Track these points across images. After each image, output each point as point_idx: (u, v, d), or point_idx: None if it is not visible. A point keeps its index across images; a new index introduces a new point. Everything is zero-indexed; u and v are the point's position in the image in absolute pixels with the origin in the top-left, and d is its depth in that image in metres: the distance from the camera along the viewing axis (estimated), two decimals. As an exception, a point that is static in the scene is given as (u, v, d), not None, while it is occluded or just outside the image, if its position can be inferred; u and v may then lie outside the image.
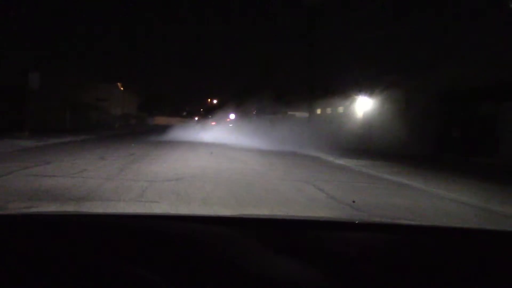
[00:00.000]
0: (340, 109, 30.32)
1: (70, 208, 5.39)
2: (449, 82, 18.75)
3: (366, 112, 25.63)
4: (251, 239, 1.55)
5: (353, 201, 6.68)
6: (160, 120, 63.36)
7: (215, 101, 66.08)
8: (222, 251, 1.40)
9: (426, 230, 2.04)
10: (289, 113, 40.62)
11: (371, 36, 24.96)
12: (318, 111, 32.69)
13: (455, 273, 1.39)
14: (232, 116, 43.33)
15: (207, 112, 58.08)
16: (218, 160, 12.92)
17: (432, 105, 19.38)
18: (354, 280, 1.27)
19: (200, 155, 14.61)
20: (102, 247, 1.33)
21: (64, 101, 31.29)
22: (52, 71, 28.03)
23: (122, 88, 61.34)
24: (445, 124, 18.34)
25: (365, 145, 19.12)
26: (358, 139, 21.62)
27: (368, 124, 23.39)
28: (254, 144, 20.28)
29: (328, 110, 32.11)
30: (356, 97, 26.78)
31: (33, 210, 4.88)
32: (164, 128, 29.53)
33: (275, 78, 42.79)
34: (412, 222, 3.65)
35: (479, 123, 16.38)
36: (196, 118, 50.78)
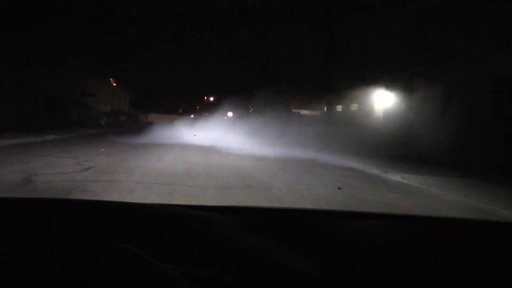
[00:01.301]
0: (359, 106, 26.00)
1: None
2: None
3: (391, 110, 21.34)
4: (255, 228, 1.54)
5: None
6: (154, 117, 58.77)
7: (212, 98, 61.97)
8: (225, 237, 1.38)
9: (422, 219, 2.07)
10: (294, 111, 36.53)
11: (396, 15, 20.67)
12: (338, 108, 28.33)
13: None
14: (230, 114, 39.56)
15: (204, 110, 53.97)
16: (224, 183, 8.24)
17: (484, 99, 15.08)
18: (348, 266, 1.26)
19: (192, 174, 9.56)
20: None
21: (37, 95, 26.91)
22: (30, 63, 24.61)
23: (114, 84, 57.38)
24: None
25: (404, 150, 14.57)
26: (389, 142, 17.07)
27: (398, 124, 18.89)
28: (261, 149, 15.73)
29: (345, 108, 27.76)
30: (379, 92, 22.65)
31: None
32: (155, 126, 24.93)
33: (277, 74, 38.40)
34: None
35: None
36: (192, 116, 46.64)
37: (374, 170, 11.06)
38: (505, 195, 7.95)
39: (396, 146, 15.44)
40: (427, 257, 1.40)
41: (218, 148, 15.91)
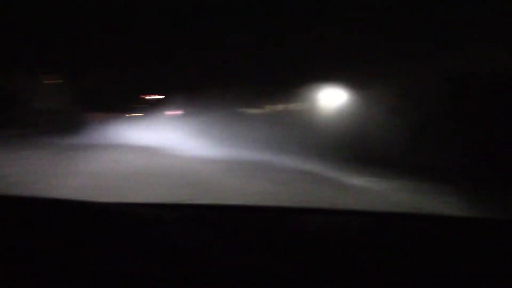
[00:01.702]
0: (309, 104, 25.30)
1: None
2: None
3: (342, 109, 20.75)
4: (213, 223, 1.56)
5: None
6: (97, 116, 55.95)
7: (156, 97, 59.84)
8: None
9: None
10: (241, 109, 35.44)
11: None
12: (287, 106, 27.49)
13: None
14: (175, 112, 38.11)
15: (151, 108, 51.91)
16: (170, 194, 7.11)
17: (437, 98, 14.66)
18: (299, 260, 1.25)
19: (131, 184, 8.28)
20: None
21: None
22: None
23: (56, 81, 54.03)
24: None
25: (360, 151, 13.83)
26: (344, 142, 16.35)
27: (350, 123, 18.22)
28: (210, 150, 14.58)
29: (295, 106, 26.96)
30: (329, 90, 22.04)
31: None
32: (95, 125, 23.24)
33: (225, 71, 37.22)
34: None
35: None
36: (137, 114, 44.74)
37: (333, 173, 10.17)
38: (491, 203, 7.20)
39: (351, 147, 14.70)
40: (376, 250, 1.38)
41: (163, 149, 14.61)
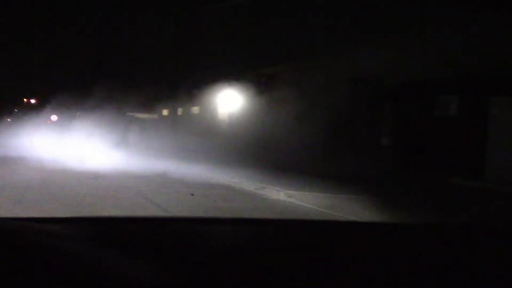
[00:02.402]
0: (203, 109, 23.81)
1: None
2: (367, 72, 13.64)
3: (240, 113, 19.64)
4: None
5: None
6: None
7: (33, 101, 54.63)
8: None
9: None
10: (129, 114, 32.89)
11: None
12: (179, 110, 25.67)
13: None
14: (54, 118, 34.77)
15: (24, 113, 47.21)
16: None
17: (340, 102, 14.00)
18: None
19: None
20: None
21: None
22: None
23: None
24: (377, 129, 13.00)
25: (265, 159, 12.64)
26: (245, 150, 15.09)
27: (251, 129, 17.07)
28: (96, 160, 12.40)
29: (187, 110, 25.29)
30: (225, 93, 20.78)
31: None
32: None
33: (112, 72, 34.42)
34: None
35: (443, 127, 11.02)
36: (9, 120, 40.35)
37: (247, 185, 8.76)
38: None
39: (255, 154, 13.47)
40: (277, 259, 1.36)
41: (39, 161, 12.14)
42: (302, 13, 16.92)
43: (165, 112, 29.02)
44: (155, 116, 31.22)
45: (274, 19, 17.58)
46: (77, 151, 14.32)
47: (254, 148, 14.76)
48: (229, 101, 20.51)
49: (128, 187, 8.06)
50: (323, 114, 13.86)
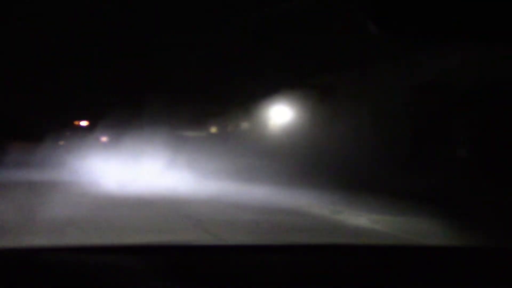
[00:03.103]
0: (252, 125, 22.94)
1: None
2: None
3: (292, 128, 18.63)
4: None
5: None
6: (17, 146, 50.95)
7: (84, 123, 55.35)
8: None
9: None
10: (177, 132, 32.47)
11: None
12: (229, 127, 24.95)
13: None
14: (104, 138, 34.90)
15: (75, 135, 48.01)
16: None
17: (401, 111, 12.73)
18: None
19: None
20: None
21: None
22: None
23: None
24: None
25: (333, 176, 11.49)
26: (308, 166, 14.02)
27: (306, 144, 15.97)
28: (157, 182, 11.55)
29: (236, 127, 24.50)
30: (275, 107, 19.90)
31: None
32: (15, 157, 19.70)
33: (156, 91, 34.36)
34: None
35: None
36: (62, 143, 40.80)
37: (318, 209, 7.68)
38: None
39: (315, 172, 12.33)
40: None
41: (88, 186, 11.42)
42: (355, 16, 15.84)
43: (213, 129, 28.41)
44: (203, 133, 30.67)
45: (328, 25, 16.54)
46: (127, 174, 13.67)
47: (313, 165, 13.66)
48: (283, 115, 19.57)
49: (182, 216, 7.17)
50: (387, 125, 12.68)
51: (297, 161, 14.70)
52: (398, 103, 12.98)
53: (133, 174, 13.40)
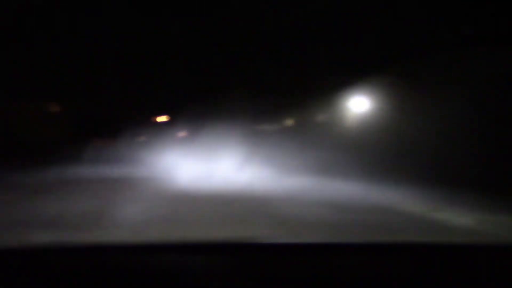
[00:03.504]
0: (329, 117, 22.08)
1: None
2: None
3: (377, 119, 17.61)
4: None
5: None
6: (102, 144, 53.08)
7: (162, 118, 56.70)
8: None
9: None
10: (253, 126, 32.15)
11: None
12: (305, 120, 24.29)
13: None
14: (182, 134, 35.40)
15: (153, 132, 49.29)
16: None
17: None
18: None
19: None
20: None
21: None
22: None
23: (52, 108, 51.34)
24: None
25: (425, 170, 10.52)
26: (395, 160, 13.06)
27: (389, 136, 14.95)
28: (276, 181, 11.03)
29: (311, 119, 23.75)
30: (354, 98, 18.97)
31: None
32: (106, 154, 20.28)
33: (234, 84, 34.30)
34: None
35: None
36: (144, 139, 41.86)
37: (414, 206, 6.88)
38: None
39: (406, 165, 11.37)
40: None
41: (166, 182, 11.24)
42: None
43: (288, 122, 27.88)
44: (277, 127, 30.18)
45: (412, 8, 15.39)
46: (204, 170, 13.44)
47: (398, 159, 12.69)
48: (363, 106, 18.62)
49: (263, 214, 6.68)
50: (481, 116, 11.48)
51: (380, 155, 13.78)
52: (493, 92, 11.76)
53: (210, 170, 13.14)
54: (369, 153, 14.58)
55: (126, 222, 5.87)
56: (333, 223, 5.89)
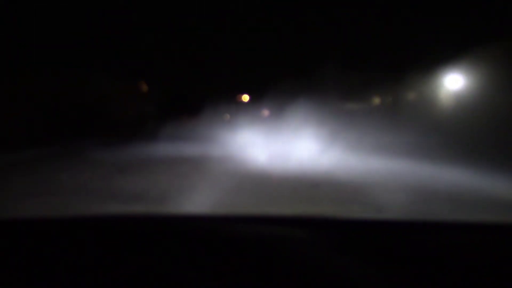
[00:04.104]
0: (421, 95, 20.56)
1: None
2: None
3: (475, 98, 16.06)
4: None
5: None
6: (185, 120, 54.37)
7: (246, 97, 56.82)
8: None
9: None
10: (340, 104, 30.94)
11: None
12: (394, 99, 22.98)
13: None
14: (266, 112, 35.18)
15: (238, 110, 49.61)
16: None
17: None
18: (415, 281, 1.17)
19: None
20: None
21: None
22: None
23: (142, 86, 53.22)
24: None
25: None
26: (481, 142, 11.64)
27: (490, 115, 13.44)
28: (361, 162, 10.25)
29: (408, 97, 22.33)
30: (449, 75, 17.43)
31: None
32: (192, 131, 20.45)
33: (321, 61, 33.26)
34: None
35: None
36: (225, 118, 42.12)
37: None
38: None
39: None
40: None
41: (245, 162, 10.77)
42: None
43: (376, 100, 26.55)
44: (365, 105, 28.79)
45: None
46: (289, 150, 12.81)
47: (499, 143, 11.22)
48: (457, 84, 17.08)
49: (359, 202, 5.92)
50: None
51: (478, 138, 12.36)
52: None
53: (295, 150, 12.50)
54: (465, 136, 13.17)
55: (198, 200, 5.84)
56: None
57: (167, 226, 1.59)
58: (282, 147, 13.38)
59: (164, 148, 14.89)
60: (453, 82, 17.79)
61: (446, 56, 17.56)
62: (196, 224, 1.62)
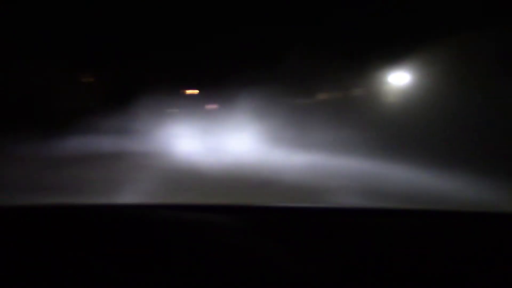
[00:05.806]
0: (374, 92, 20.93)
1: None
2: None
3: (416, 93, 16.49)
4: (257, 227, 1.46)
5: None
6: (125, 113, 53.70)
7: (193, 91, 56.44)
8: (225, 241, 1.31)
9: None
10: (289, 100, 31.00)
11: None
12: (341, 94, 23.23)
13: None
14: (212, 107, 35.00)
15: (184, 105, 49.39)
16: None
17: None
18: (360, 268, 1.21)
19: None
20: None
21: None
22: None
23: (86, 77, 51.79)
24: None
25: (468, 152, 9.28)
26: (433, 138, 11.88)
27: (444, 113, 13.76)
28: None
29: (354, 93, 22.63)
30: (394, 70, 17.83)
31: None
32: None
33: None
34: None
35: None
36: (169, 112, 41.66)
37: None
38: None
39: (464, 150, 10.04)
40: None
41: (180, 157, 10.54)
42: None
43: (321, 96, 26.74)
44: (308, 101, 28.90)
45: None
46: (233, 146, 12.67)
47: (451, 143, 11.35)
48: (405, 80, 17.48)
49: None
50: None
51: (429, 136, 12.51)
52: None
53: (231, 146, 12.48)
54: (418, 134, 13.32)
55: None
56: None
57: (86, 215, 1.63)
58: (220, 142, 13.31)
59: (102, 142, 14.54)
60: (399, 79, 18.28)
61: (393, 52, 17.95)
62: (124, 212, 1.67)
